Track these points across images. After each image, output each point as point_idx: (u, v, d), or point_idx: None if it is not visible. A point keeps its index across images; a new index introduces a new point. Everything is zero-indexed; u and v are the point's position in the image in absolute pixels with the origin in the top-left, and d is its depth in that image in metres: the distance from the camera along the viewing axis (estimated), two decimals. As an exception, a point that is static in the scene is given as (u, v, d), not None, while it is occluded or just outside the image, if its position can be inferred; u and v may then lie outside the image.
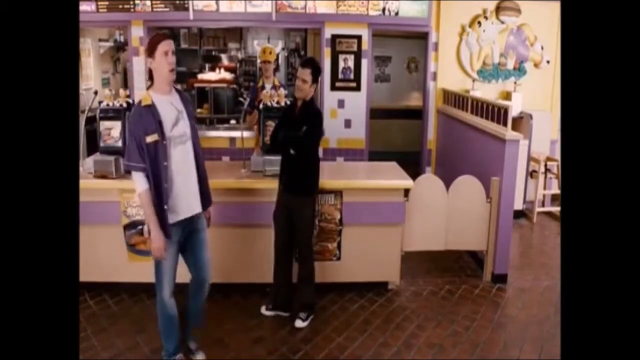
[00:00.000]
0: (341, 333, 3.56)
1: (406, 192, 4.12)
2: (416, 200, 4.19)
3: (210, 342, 3.36)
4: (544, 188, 6.26)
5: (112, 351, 3.28)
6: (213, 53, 9.39)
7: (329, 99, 6.30)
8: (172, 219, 2.82)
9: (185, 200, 2.87)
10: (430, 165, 6.66)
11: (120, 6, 5.89)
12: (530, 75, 6.52)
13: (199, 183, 2.95)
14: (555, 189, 6.32)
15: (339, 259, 4.09)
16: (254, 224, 3.97)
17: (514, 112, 4.83)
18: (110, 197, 3.83)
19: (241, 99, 5.89)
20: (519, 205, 5.69)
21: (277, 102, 4.01)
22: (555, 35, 6.41)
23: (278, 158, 3.67)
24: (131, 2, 5.88)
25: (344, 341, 3.46)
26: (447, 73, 6.44)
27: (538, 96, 6.51)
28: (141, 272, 3.95)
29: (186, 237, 2.94)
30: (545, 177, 6.22)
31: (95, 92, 4.31)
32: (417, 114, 7.15)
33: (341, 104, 6.33)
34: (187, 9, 5.89)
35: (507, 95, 6.40)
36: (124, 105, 3.86)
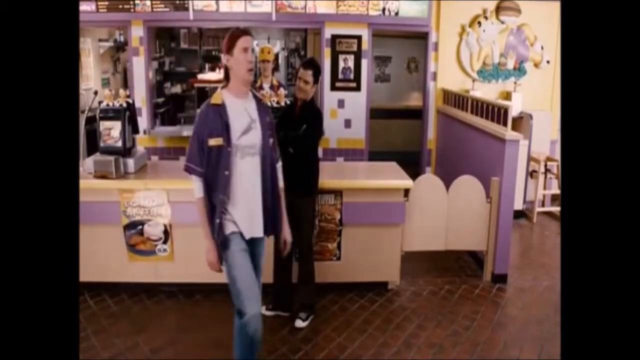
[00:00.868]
0: (341, 333, 3.56)
1: (406, 192, 4.12)
2: (416, 201, 4.19)
3: (210, 342, 3.36)
4: (544, 188, 6.26)
5: (112, 351, 3.28)
6: (213, 53, 9.37)
7: (329, 99, 6.31)
8: (231, 228, 2.50)
9: (245, 222, 2.52)
10: (430, 165, 6.66)
11: (120, 6, 5.90)
12: (530, 75, 6.52)
13: (264, 204, 2.57)
14: (555, 189, 6.32)
15: (339, 259, 4.09)
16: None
17: (514, 112, 4.83)
18: (110, 197, 3.83)
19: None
20: (519, 205, 5.69)
21: (277, 102, 4.01)
22: (555, 35, 6.41)
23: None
24: (131, 2, 5.89)
25: (344, 341, 3.47)
26: (447, 73, 6.44)
27: (538, 96, 6.51)
28: (141, 272, 3.96)
29: None
30: (545, 177, 6.22)
31: (95, 92, 4.32)
32: (417, 114, 7.15)
33: (341, 104, 6.33)
34: (187, 9, 5.90)
35: (507, 95, 6.40)
36: (124, 105, 3.87)
